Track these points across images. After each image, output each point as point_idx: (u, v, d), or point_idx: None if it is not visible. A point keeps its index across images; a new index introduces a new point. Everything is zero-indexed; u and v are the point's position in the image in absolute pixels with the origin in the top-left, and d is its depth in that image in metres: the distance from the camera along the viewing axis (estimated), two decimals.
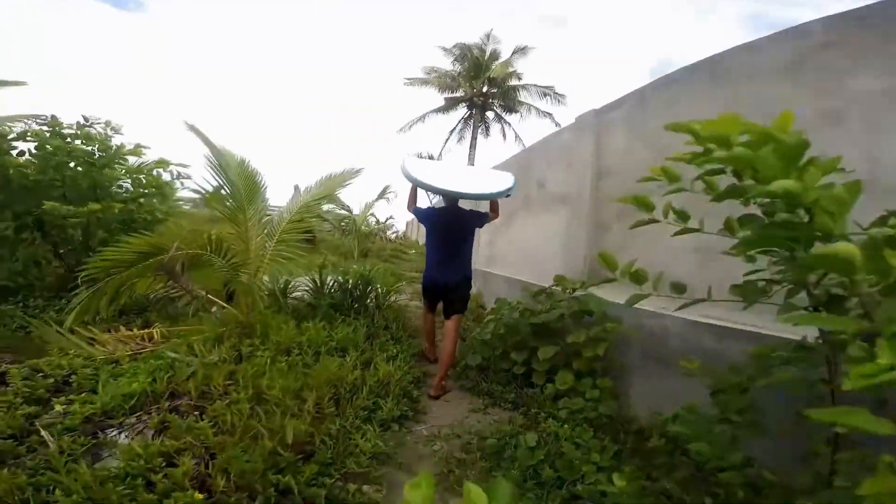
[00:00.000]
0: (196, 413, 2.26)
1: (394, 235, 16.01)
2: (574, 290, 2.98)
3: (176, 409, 2.32)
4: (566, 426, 2.51)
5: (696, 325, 2.35)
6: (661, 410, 2.57)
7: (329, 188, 3.76)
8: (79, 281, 2.49)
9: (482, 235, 6.51)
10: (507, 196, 3.19)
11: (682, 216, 1.21)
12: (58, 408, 2.23)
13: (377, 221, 13.74)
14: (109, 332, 3.33)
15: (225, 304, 3.24)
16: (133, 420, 2.30)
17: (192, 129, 2.90)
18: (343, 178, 3.83)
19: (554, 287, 3.28)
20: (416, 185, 3.24)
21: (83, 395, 2.37)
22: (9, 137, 3.60)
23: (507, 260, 5.34)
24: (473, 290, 6.07)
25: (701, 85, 2.77)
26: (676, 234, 1.23)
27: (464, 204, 3.57)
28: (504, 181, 3.16)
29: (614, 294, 3.10)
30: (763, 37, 2.49)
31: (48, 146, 3.41)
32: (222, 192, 2.95)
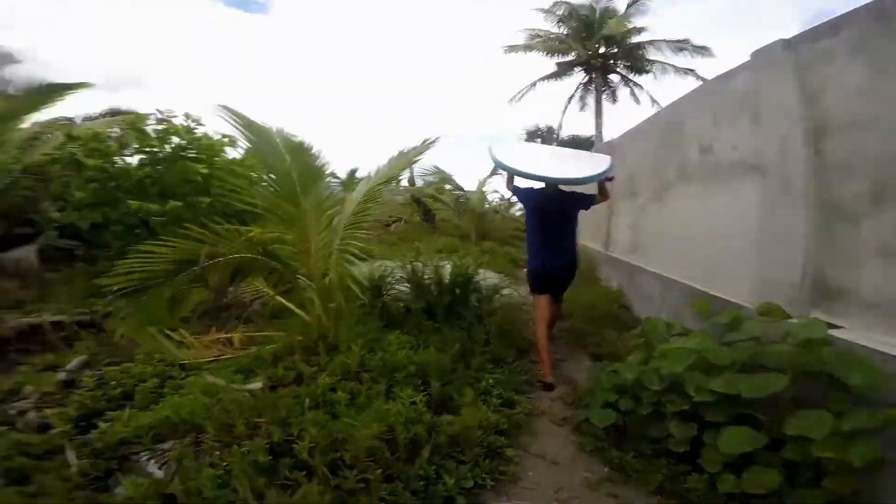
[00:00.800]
0: (218, 453, 1.84)
1: (519, 212, 14.77)
2: (807, 343, 1.60)
3: (199, 445, 1.95)
4: None
5: None
6: None
7: (401, 165, 3.06)
8: (109, 296, 2.28)
9: (623, 218, 5.17)
10: (611, 179, 3.19)
11: None
12: (102, 426, 2.05)
13: (501, 198, 12.69)
14: (212, 329, 3.29)
15: (297, 310, 2.85)
16: (168, 446, 2.00)
17: (225, 108, 2.47)
18: (418, 151, 3.10)
19: (749, 306, 2.01)
20: (506, 171, 3.16)
21: (134, 411, 2.17)
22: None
23: (659, 251, 3.96)
24: (614, 286, 4.88)
25: None
26: None
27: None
28: (600, 164, 3.05)
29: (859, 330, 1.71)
30: None
31: (137, 143, 3.46)
32: (265, 182, 2.49)
